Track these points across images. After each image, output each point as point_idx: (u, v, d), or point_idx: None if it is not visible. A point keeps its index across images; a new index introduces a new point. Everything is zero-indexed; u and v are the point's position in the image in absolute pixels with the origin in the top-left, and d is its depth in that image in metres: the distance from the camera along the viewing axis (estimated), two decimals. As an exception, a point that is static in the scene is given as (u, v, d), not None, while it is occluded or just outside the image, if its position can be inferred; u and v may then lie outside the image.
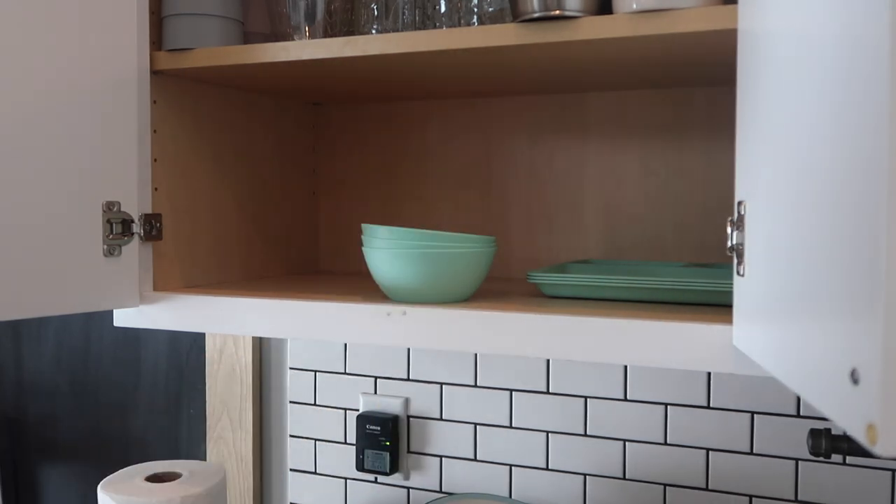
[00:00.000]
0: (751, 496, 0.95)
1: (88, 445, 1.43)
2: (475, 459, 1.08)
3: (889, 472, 0.89)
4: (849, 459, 0.90)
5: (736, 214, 0.57)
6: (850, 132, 0.35)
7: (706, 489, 0.97)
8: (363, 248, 0.80)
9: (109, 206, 0.79)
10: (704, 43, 0.70)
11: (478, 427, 1.07)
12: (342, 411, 1.15)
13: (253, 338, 1.20)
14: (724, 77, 0.88)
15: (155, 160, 0.85)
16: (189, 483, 0.98)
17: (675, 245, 0.96)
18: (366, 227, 0.80)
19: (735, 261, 0.58)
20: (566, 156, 1.01)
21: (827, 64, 0.38)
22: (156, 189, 0.85)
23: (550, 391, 1.03)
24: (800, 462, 0.93)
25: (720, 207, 0.94)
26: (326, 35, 0.84)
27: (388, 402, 1.11)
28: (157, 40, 0.85)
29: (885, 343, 0.30)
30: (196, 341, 1.33)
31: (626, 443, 1.00)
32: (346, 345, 1.14)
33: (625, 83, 0.93)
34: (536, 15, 0.68)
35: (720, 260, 0.94)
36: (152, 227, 0.84)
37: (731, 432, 0.95)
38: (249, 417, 1.20)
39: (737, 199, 0.58)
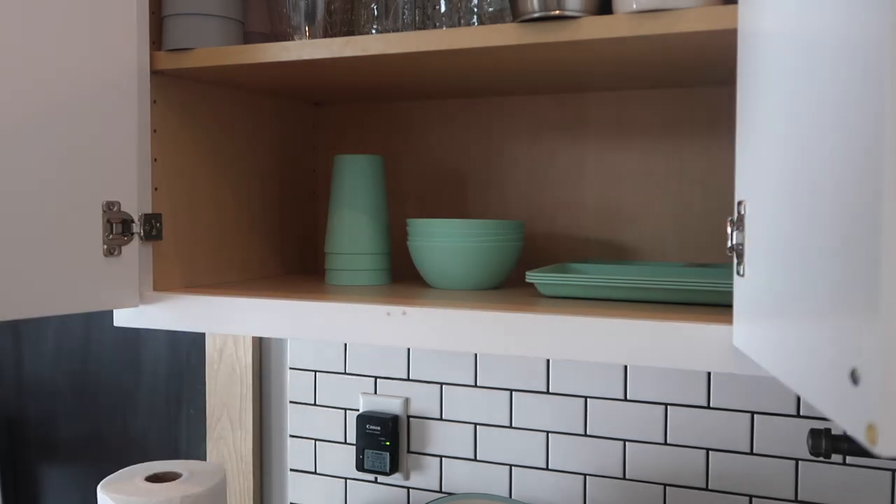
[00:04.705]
0: (751, 496, 0.95)
1: (88, 445, 1.43)
2: (475, 459, 1.08)
3: (889, 472, 0.89)
4: (849, 459, 0.90)
5: (736, 214, 0.57)
6: (850, 132, 0.35)
7: (706, 489, 0.97)
8: (415, 243, 0.88)
9: (109, 206, 0.79)
10: (704, 43, 0.70)
11: (478, 427, 1.07)
12: (342, 411, 1.15)
13: (253, 338, 1.20)
14: (724, 77, 0.88)
15: (155, 160, 0.85)
16: (189, 483, 0.98)
17: (675, 245, 0.96)
18: (419, 221, 0.88)
19: (735, 261, 0.58)
20: (566, 156, 1.01)
21: (827, 64, 0.38)
22: (156, 189, 0.85)
23: (550, 391, 1.03)
24: (800, 462, 0.93)
25: (720, 207, 0.94)
26: (326, 35, 0.84)
27: (388, 402, 1.11)
28: (157, 40, 0.85)
29: (885, 343, 0.30)
30: (196, 341, 1.33)
31: (626, 443, 1.00)
32: (346, 345, 1.14)
33: (625, 83, 0.93)
34: (536, 15, 0.68)
35: (720, 260, 0.94)
36: (152, 227, 0.84)
37: (731, 432, 0.95)
38: (249, 417, 1.20)
39: (737, 199, 0.58)
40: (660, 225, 0.97)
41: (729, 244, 0.58)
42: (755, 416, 0.94)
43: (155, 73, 0.84)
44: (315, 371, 1.16)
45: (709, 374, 0.96)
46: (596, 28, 0.68)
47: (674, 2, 0.65)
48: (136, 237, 0.82)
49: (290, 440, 1.19)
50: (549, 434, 1.04)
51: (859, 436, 0.32)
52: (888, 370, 0.30)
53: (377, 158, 0.95)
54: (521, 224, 0.90)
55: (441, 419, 1.09)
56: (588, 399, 1.02)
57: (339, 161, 0.94)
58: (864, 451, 0.72)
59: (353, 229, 0.93)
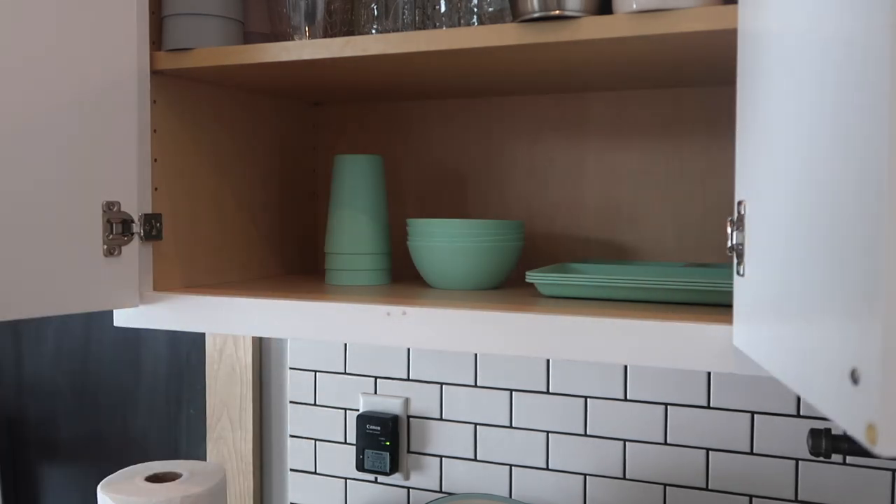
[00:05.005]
0: (751, 496, 0.95)
1: (88, 445, 1.43)
2: (475, 459, 1.08)
3: (889, 472, 0.89)
4: (849, 459, 0.90)
5: (736, 214, 0.57)
6: (850, 132, 0.35)
7: (706, 489, 0.97)
8: (415, 243, 0.88)
9: (109, 206, 0.79)
10: (704, 43, 0.70)
11: (478, 427, 1.07)
12: (342, 411, 1.15)
13: (253, 338, 1.20)
14: (724, 77, 0.88)
15: (155, 160, 0.85)
16: (189, 483, 0.98)
17: (675, 245, 0.96)
18: (419, 221, 0.88)
19: (735, 261, 0.58)
20: (566, 156, 1.01)
21: (827, 64, 0.38)
22: (156, 189, 0.85)
23: (550, 391, 1.03)
24: (800, 462, 0.93)
25: (720, 207, 0.94)
26: (326, 35, 0.84)
27: (388, 402, 1.11)
28: (157, 40, 0.85)
29: (885, 343, 0.30)
30: (196, 341, 1.33)
31: (626, 443, 1.00)
32: (346, 345, 1.14)
33: (625, 83, 0.93)
34: (536, 15, 0.68)
35: (720, 260, 0.94)
36: (152, 227, 0.84)
37: (731, 432, 0.95)
38: (249, 417, 1.20)
39: (737, 199, 0.58)
40: (660, 225, 0.97)
41: (729, 244, 0.58)
42: (755, 416, 0.94)
43: (155, 73, 0.84)
44: (315, 371, 1.16)
45: (709, 374, 0.96)
46: (596, 28, 0.68)
47: (674, 2, 0.65)
48: (136, 237, 0.82)
49: (290, 440, 1.19)
50: (549, 434, 1.04)
51: (859, 436, 0.32)
52: (888, 370, 0.30)
53: (377, 158, 0.95)
54: (521, 224, 0.90)
55: (441, 419, 1.09)
56: (588, 399, 1.02)
57: (339, 161, 0.94)
58: (864, 451, 0.72)
59: (353, 229, 0.93)
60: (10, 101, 0.69)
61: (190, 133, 0.90)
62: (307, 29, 0.83)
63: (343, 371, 1.15)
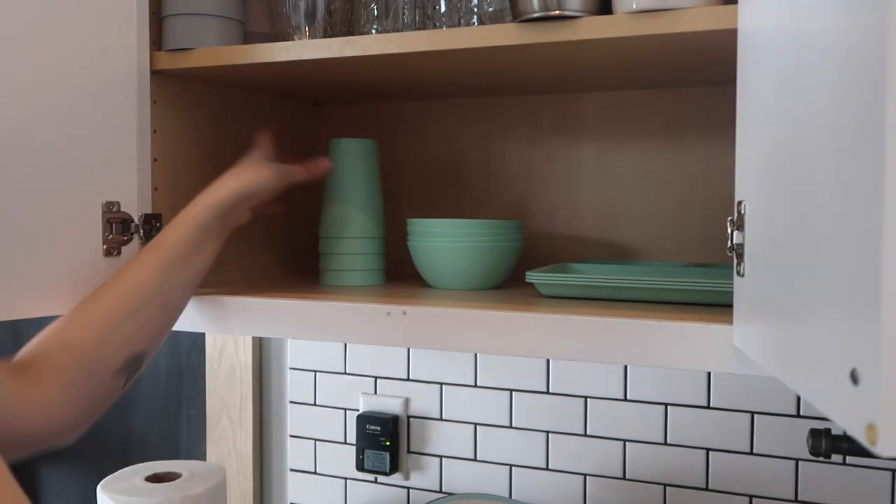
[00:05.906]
0: (751, 496, 0.95)
1: (88, 445, 1.43)
2: (475, 459, 1.08)
3: (889, 472, 0.89)
4: (849, 459, 0.90)
5: (736, 214, 0.57)
6: (849, 131, 0.35)
7: (706, 489, 0.97)
8: (415, 243, 0.87)
9: (109, 207, 0.79)
10: (704, 43, 0.70)
11: (478, 427, 1.07)
12: (342, 411, 1.15)
13: (253, 338, 1.20)
14: (724, 77, 0.88)
15: (155, 160, 0.85)
16: (189, 483, 0.98)
17: (675, 245, 0.96)
18: (419, 221, 0.88)
19: (735, 261, 0.58)
20: (566, 155, 1.01)
21: (826, 63, 0.38)
22: (156, 189, 0.85)
23: (550, 391, 1.03)
24: (800, 462, 0.93)
25: (720, 207, 0.94)
26: (326, 35, 0.84)
27: (388, 402, 1.11)
28: (157, 40, 0.85)
29: (885, 343, 0.30)
30: (196, 341, 1.33)
31: (626, 443, 1.00)
32: (346, 345, 1.14)
33: (625, 83, 0.93)
34: (536, 15, 0.68)
35: (720, 260, 0.94)
36: (152, 227, 0.83)
37: (731, 432, 0.95)
38: (249, 417, 1.20)
39: (737, 199, 0.58)
40: (660, 225, 0.97)
41: (729, 244, 0.58)
42: (755, 416, 0.94)
43: (155, 73, 0.84)
44: (315, 371, 1.16)
45: (709, 374, 0.96)
46: (596, 28, 0.68)
47: (674, 2, 0.65)
48: (136, 237, 0.82)
49: (290, 440, 1.19)
50: (549, 434, 1.04)
51: (859, 436, 0.32)
52: (888, 370, 0.30)
53: (371, 143, 0.94)
54: (521, 224, 0.90)
55: (441, 419, 1.09)
56: (588, 399, 1.02)
57: (333, 145, 0.94)
58: (864, 451, 0.72)
59: (347, 228, 0.92)
60: (11, 101, 0.69)
61: (190, 133, 0.90)
62: (307, 29, 0.83)
63: (343, 371, 1.15)
